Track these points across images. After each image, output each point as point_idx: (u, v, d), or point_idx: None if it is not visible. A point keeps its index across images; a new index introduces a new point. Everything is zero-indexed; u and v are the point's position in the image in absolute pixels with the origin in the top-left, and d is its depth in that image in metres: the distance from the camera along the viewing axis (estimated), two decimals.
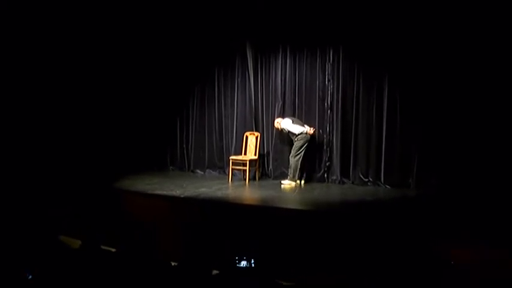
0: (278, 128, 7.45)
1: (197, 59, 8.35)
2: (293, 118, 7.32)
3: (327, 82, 7.31)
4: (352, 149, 7.18)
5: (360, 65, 7.07)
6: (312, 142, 7.23)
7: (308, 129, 7.11)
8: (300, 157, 7.06)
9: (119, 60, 8.42)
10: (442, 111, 6.47)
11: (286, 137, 7.45)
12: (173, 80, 8.61)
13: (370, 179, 7.03)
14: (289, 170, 7.20)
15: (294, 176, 7.10)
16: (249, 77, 7.93)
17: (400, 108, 6.78)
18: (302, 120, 7.42)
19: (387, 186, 6.86)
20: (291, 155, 7.16)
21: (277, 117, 7.55)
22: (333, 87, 7.27)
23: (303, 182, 7.26)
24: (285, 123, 7.25)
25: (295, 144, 7.13)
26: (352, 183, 7.15)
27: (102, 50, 8.17)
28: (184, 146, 8.68)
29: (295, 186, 7.05)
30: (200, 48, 8.26)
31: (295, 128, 7.11)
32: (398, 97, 6.79)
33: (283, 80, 7.68)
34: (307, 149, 7.12)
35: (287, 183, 7.10)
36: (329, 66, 7.27)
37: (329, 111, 7.29)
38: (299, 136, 7.08)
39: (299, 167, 7.08)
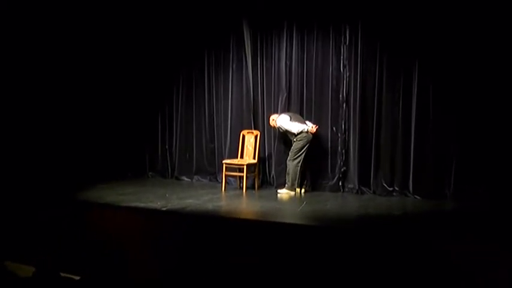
0: (274, 127, 7.48)
1: (182, 39, 8.32)
2: (291, 114, 7.33)
3: (342, 69, 7.31)
4: (373, 151, 7.17)
5: (383, 47, 7.04)
6: (315, 142, 7.22)
7: (310, 127, 7.12)
8: (299, 161, 7.13)
9: (85, 41, 8.29)
10: (487, 105, 6.40)
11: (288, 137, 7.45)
12: (153, 66, 8.60)
13: (396, 188, 7.03)
14: (287, 176, 7.24)
15: (292, 184, 7.17)
16: (246, 62, 7.91)
17: (433, 101, 6.76)
18: (311, 116, 7.47)
19: (417, 196, 6.84)
20: (288, 158, 7.23)
21: (280, 112, 7.54)
22: (350, 75, 7.26)
23: (303, 190, 7.32)
24: (281, 121, 7.27)
25: (293, 145, 7.19)
26: (374, 193, 7.17)
27: (61, 26, 7.97)
28: (167, 147, 8.71)
29: (295, 195, 7.11)
30: (186, 26, 8.21)
31: (294, 126, 7.13)
32: (431, 88, 6.77)
33: (289, 66, 7.68)
34: (308, 151, 7.14)
35: (284, 192, 7.16)
36: (345, 48, 7.27)
37: (345, 104, 7.30)
38: (298, 136, 7.12)
39: (299, 172, 7.13)
